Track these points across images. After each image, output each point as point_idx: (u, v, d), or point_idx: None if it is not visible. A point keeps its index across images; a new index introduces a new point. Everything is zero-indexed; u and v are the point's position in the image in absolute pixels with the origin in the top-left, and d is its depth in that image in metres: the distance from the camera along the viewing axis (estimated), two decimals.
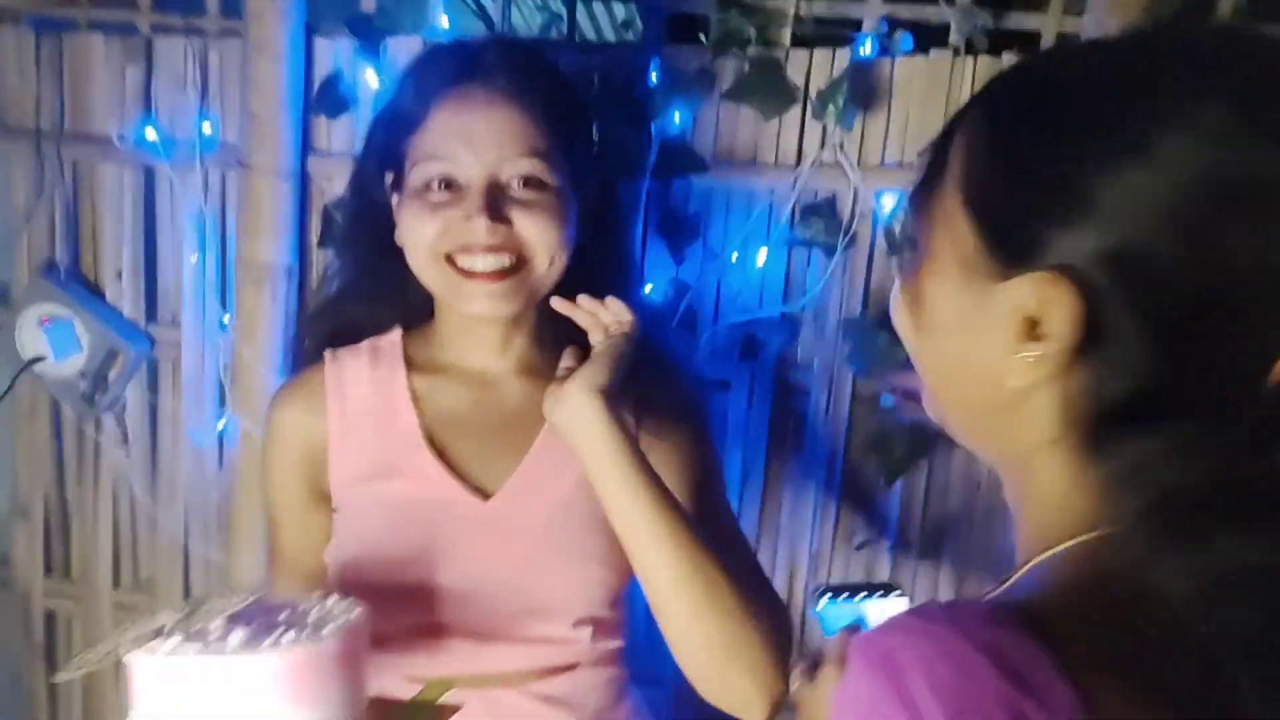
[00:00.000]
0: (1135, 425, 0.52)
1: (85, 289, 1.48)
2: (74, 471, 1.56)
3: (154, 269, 1.48)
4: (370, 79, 1.35)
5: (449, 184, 0.95)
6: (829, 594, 0.81)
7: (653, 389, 1.00)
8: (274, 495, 1.04)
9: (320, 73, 1.36)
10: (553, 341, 1.02)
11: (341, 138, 1.39)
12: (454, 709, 0.78)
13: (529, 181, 0.94)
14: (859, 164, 1.30)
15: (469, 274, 0.95)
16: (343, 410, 1.02)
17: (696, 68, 1.30)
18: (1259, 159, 0.49)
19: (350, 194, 1.07)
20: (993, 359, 0.56)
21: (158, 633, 0.71)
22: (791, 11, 1.29)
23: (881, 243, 1.32)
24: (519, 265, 0.95)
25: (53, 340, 1.41)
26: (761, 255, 1.33)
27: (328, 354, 1.05)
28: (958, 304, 0.58)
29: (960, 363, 0.60)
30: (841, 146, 1.31)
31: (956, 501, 1.37)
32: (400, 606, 0.96)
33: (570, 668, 0.99)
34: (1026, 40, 1.27)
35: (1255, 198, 0.49)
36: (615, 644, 1.03)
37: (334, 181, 1.39)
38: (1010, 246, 0.55)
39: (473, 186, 0.94)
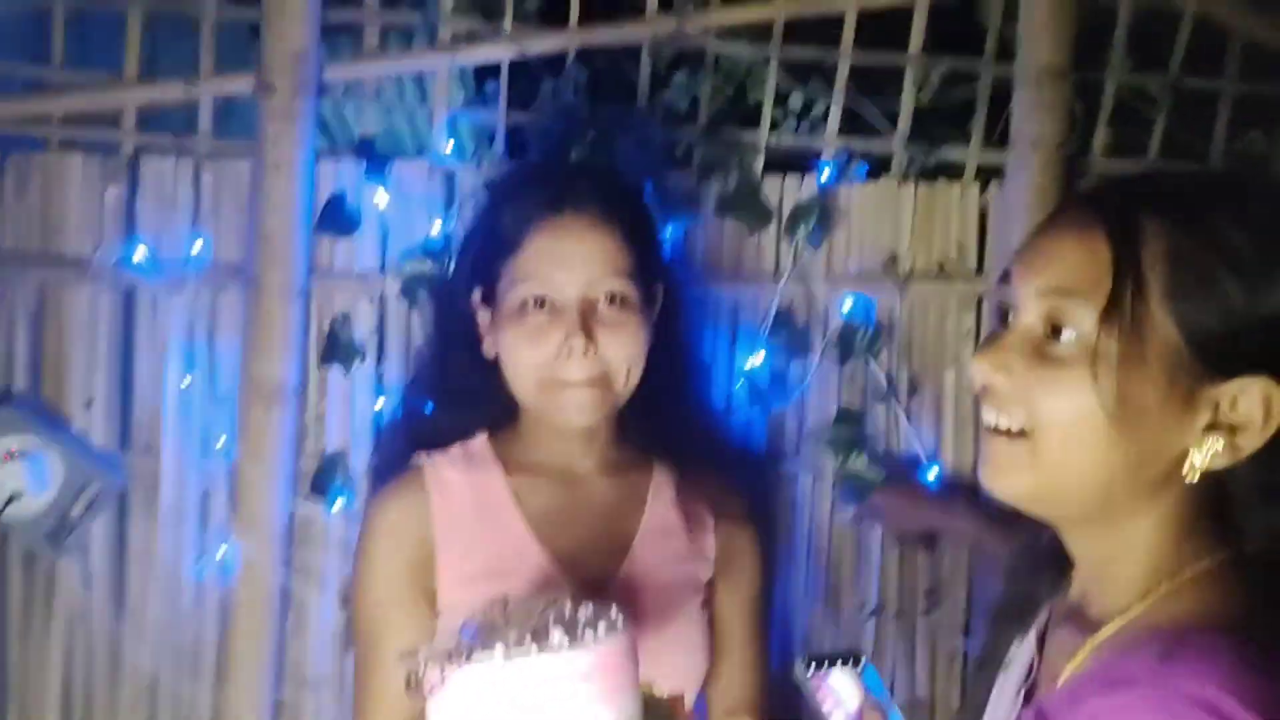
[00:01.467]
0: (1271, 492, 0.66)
1: (50, 419, 1.38)
2: (18, 622, 1.42)
3: (129, 396, 1.41)
4: (380, 199, 1.40)
5: (542, 303, 1.04)
6: (812, 663, 0.89)
7: (735, 490, 1.12)
8: (378, 598, 1.05)
9: (324, 193, 1.40)
10: (629, 441, 1.11)
11: (343, 256, 1.42)
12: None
13: (614, 298, 1.05)
14: (826, 274, 1.49)
15: (564, 385, 1.03)
16: (448, 511, 1.05)
17: (684, 190, 1.46)
18: None
19: (439, 307, 1.13)
20: (1180, 448, 0.65)
21: (460, 650, 0.73)
22: (763, 143, 1.49)
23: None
24: (605, 378, 1.04)
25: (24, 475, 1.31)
26: (755, 359, 1.47)
27: (424, 460, 1.08)
28: (1163, 404, 0.65)
29: (1146, 453, 0.66)
30: (794, 259, 1.48)
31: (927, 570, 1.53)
32: None
33: None
34: (954, 169, 1.52)
35: None
36: None
37: (334, 299, 1.41)
38: (1223, 356, 0.64)
39: (569, 306, 1.03)
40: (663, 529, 1.10)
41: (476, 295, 1.10)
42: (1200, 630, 0.63)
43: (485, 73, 1.52)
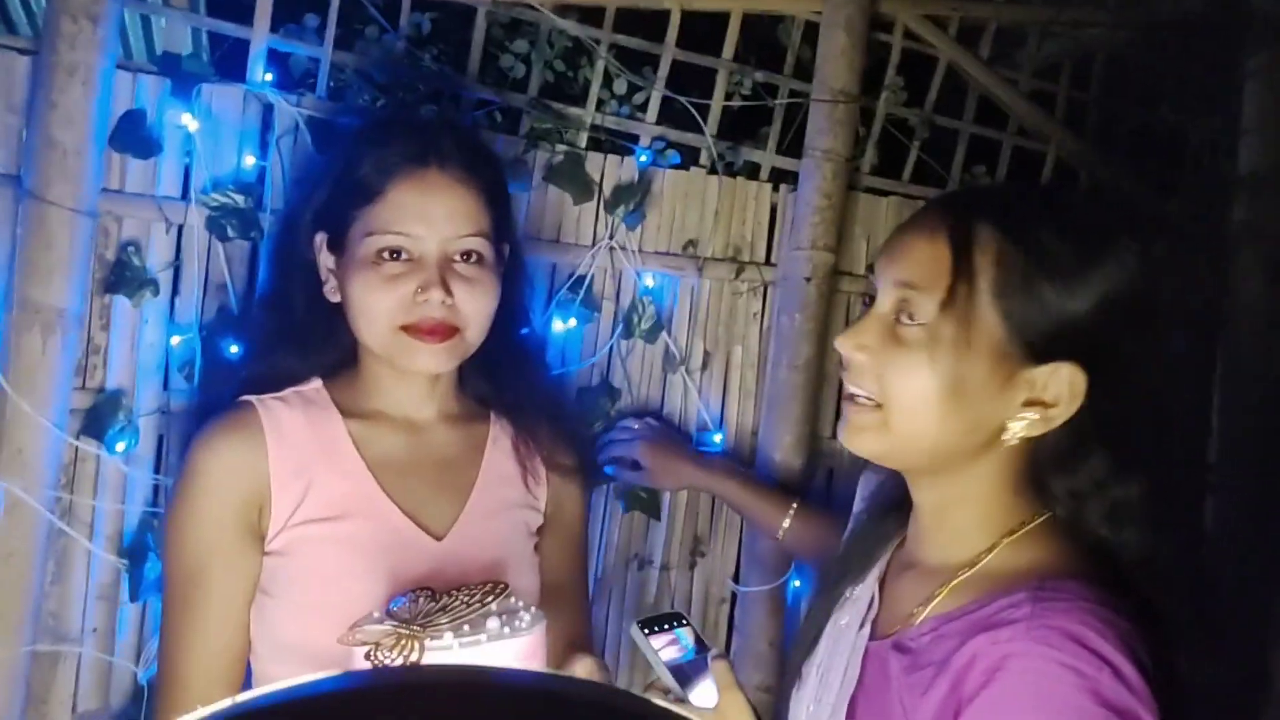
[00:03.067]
0: (1069, 459, 0.81)
1: None
2: None
3: None
4: (186, 121, 1.29)
5: (399, 254, 1.04)
6: (643, 626, 0.96)
7: (562, 436, 1.17)
8: (201, 538, 0.99)
9: (120, 107, 1.27)
10: (467, 393, 1.14)
11: (137, 179, 1.30)
12: None
13: (469, 256, 1.07)
14: (639, 250, 1.59)
15: (414, 331, 1.03)
16: (283, 450, 1.02)
17: (513, 156, 1.49)
18: (1159, 287, 0.78)
19: (279, 250, 1.09)
20: (1000, 419, 0.78)
21: (411, 635, 0.74)
22: (589, 121, 1.55)
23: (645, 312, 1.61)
24: (456, 329, 1.06)
25: None
26: (564, 323, 1.53)
27: (253, 399, 1.04)
28: (986, 382, 0.77)
29: (972, 423, 0.79)
30: (611, 235, 1.58)
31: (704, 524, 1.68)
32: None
33: None
34: (752, 169, 1.68)
35: (1158, 311, 0.78)
36: None
37: (122, 223, 1.29)
38: (1039, 343, 0.77)
39: (426, 259, 1.04)
40: (500, 478, 1.13)
41: (320, 239, 1.07)
42: (1058, 577, 0.76)
43: (309, 4, 1.45)
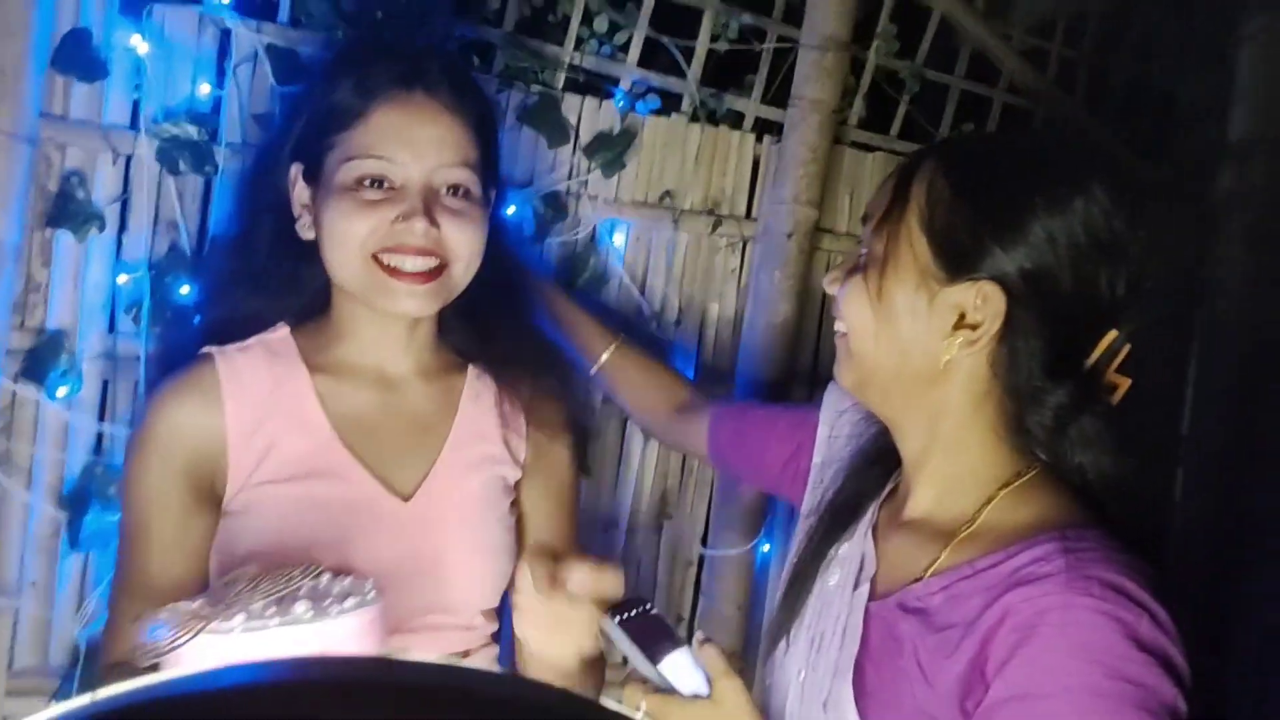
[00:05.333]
0: (1037, 394, 0.82)
1: None
2: None
3: None
4: (136, 43, 1.20)
5: (380, 182, 0.96)
6: (613, 614, 0.89)
7: (550, 391, 1.11)
8: (149, 497, 0.94)
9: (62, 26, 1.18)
10: (447, 345, 1.08)
11: (82, 105, 1.21)
12: None
13: (457, 190, 1.00)
14: (615, 199, 1.53)
15: (396, 273, 0.97)
16: (242, 409, 0.96)
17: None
18: (1112, 225, 0.81)
19: (251, 181, 1.01)
20: (933, 341, 0.82)
21: (199, 616, 0.69)
22: (566, 60, 1.48)
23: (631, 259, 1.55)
24: (441, 268, 0.99)
25: None
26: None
27: (215, 350, 0.97)
28: (912, 300, 0.82)
29: (907, 343, 0.83)
30: (585, 183, 1.51)
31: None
32: None
33: (465, 654, 1.06)
34: (737, 117, 1.61)
35: (1109, 249, 0.81)
36: (496, 626, 1.11)
37: (65, 152, 1.21)
38: (958, 261, 0.81)
39: (410, 188, 0.97)
40: (475, 433, 1.07)
41: (295, 170, 0.99)
42: (1077, 526, 0.76)
43: None
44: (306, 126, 0.99)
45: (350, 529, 0.96)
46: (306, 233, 0.99)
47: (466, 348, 1.09)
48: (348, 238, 0.95)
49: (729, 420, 1.23)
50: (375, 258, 0.96)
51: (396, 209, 0.95)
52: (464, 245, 0.99)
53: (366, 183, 0.96)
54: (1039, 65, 1.83)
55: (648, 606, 0.87)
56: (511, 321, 1.11)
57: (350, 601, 0.76)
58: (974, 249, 0.80)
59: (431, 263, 0.98)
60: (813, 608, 0.90)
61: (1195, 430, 1.87)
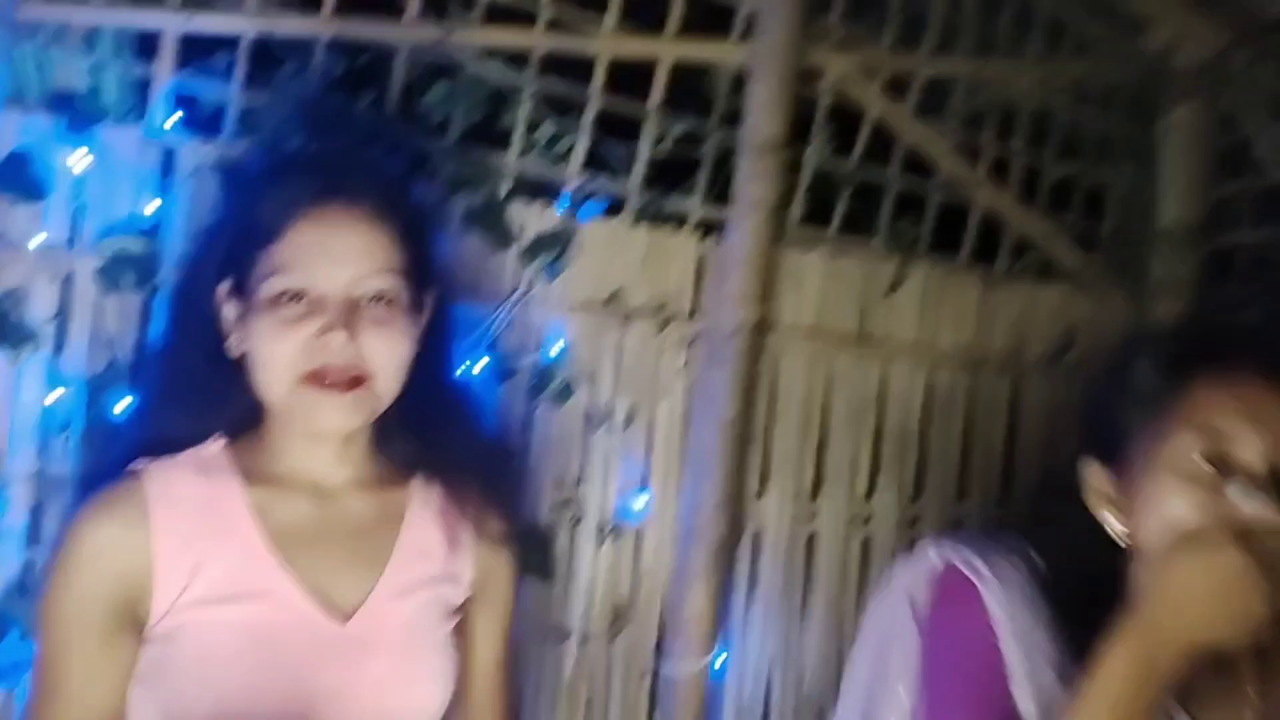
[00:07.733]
0: None
1: None
2: None
3: None
4: (75, 162, 1.21)
5: (300, 297, 0.96)
6: None
7: (498, 500, 1.10)
8: (66, 624, 0.91)
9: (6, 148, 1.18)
10: (388, 455, 1.06)
11: (20, 225, 1.21)
12: None
13: (380, 298, 0.99)
14: (562, 301, 1.54)
15: (318, 379, 0.95)
16: (170, 525, 0.93)
17: (431, 203, 1.43)
18: None
19: (178, 300, 1.00)
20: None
21: None
22: (511, 167, 1.50)
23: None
24: (362, 378, 0.97)
25: None
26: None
27: (142, 466, 0.95)
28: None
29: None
30: (529, 285, 1.52)
31: None
32: None
33: None
34: (678, 219, 1.64)
35: None
36: None
37: (2, 272, 1.20)
38: None
39: (329, 301, 0.96)
40: (419, 550, 1.04)
41: (224, 287, 0.99)
42: None
43: (215, 43, 1.37)
44: (232, 243, 0.99)
45: (281, 654, 0.93)
46: (236, 349, 0.98)
47: (409, 457, 1.07)
48: (274, 359, 0.95)
49: None
50: (302, 380, 0.95)
51: (316, 323, 0.95)
52: (384, 354, 0.97)
53: (286, 299, 0.95)
54: (973, 159, 1.90)
55: None
56: (456, 429, 1.09)
57: None
58: None
59: (353, 368, 0.97)
60: None
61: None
